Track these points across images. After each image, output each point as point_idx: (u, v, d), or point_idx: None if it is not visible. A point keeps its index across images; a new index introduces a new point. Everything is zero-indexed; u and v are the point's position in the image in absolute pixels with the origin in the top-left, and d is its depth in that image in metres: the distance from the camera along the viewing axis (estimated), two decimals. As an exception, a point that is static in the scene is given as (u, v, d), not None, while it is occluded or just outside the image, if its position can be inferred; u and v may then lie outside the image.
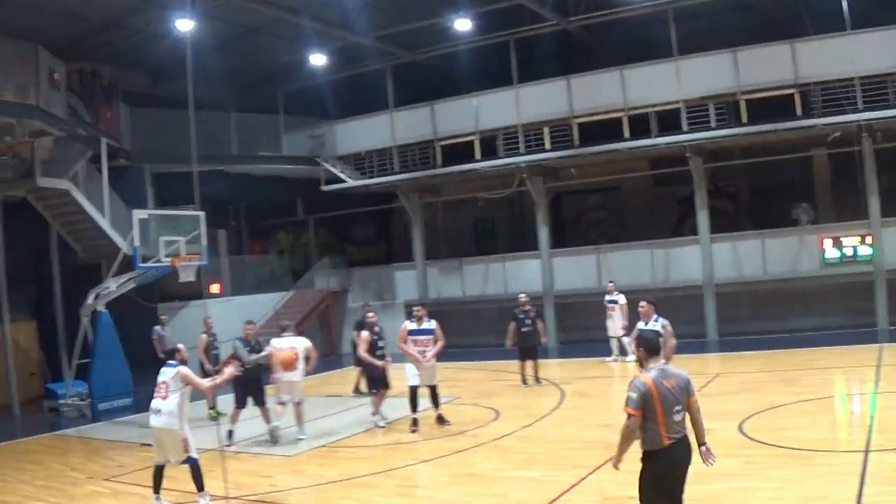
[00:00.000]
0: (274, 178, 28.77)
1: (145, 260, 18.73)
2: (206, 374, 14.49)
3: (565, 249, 25.90)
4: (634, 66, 22.84)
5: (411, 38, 25.34)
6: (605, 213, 28.39)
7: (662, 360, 6.67)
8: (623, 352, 20.05)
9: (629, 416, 6.39)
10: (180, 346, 10.55)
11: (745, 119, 21.31)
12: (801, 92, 20.74)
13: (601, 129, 23.21)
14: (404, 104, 26.69)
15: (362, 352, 14.32)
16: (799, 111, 20.72)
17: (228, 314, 22.39)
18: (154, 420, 10.04)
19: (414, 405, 13.78)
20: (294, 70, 27.24)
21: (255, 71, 27.77)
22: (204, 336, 16.75)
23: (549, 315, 24.57)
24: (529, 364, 17.64)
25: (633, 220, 26.64)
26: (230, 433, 13.60)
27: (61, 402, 19.69)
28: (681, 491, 6.63)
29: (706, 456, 6.73)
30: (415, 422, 13.77)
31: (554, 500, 9.07)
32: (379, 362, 14.25)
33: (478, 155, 25.15)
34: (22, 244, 22.25)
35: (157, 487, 10.10)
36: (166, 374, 10.15)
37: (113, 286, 19.37)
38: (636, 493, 7.81)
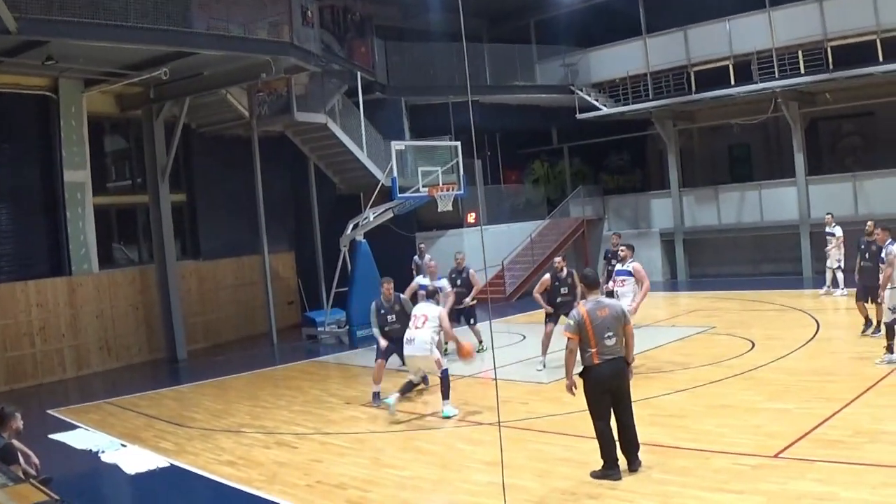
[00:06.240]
0: (528, 108, 29.09)
1: (403, 190, 19.04)
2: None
3: (821, 177, 24.65)
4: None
5: (663, -39, 24.68)
6: (860, 139, 26.43)
7: (599, 293, 8.27)
8: (836, 284, 19.50)
9: (568, 339, 8.03)
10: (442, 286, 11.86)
11: None
12: None
13: (856, 53, 21.66)
14: (657, 30, 26.01)
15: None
16: None
17: (485, 242, 23.08)
18: (408, 349, 11.35)
19: None
20: (545, -1, 27.36)
21: (506, 1, 27.97)
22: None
23: (804, 245, 23.75)
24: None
25: (889, 147, 24.61)
26: (376, 395, 12.55)
27: (319, 329, 20.78)
28: (611, 404, 8.01)
29: (629, 373, 8.21)
30: None
31: (807, 433, 8.90)
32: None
33: (732, 80, 24.21)
34: (281, 178, 23.55)
35: (403, 390, 11.47)
36: (427, 309, 11.43)
37: (371, 216, 19.97)
38: (890, 428, 8.76)
